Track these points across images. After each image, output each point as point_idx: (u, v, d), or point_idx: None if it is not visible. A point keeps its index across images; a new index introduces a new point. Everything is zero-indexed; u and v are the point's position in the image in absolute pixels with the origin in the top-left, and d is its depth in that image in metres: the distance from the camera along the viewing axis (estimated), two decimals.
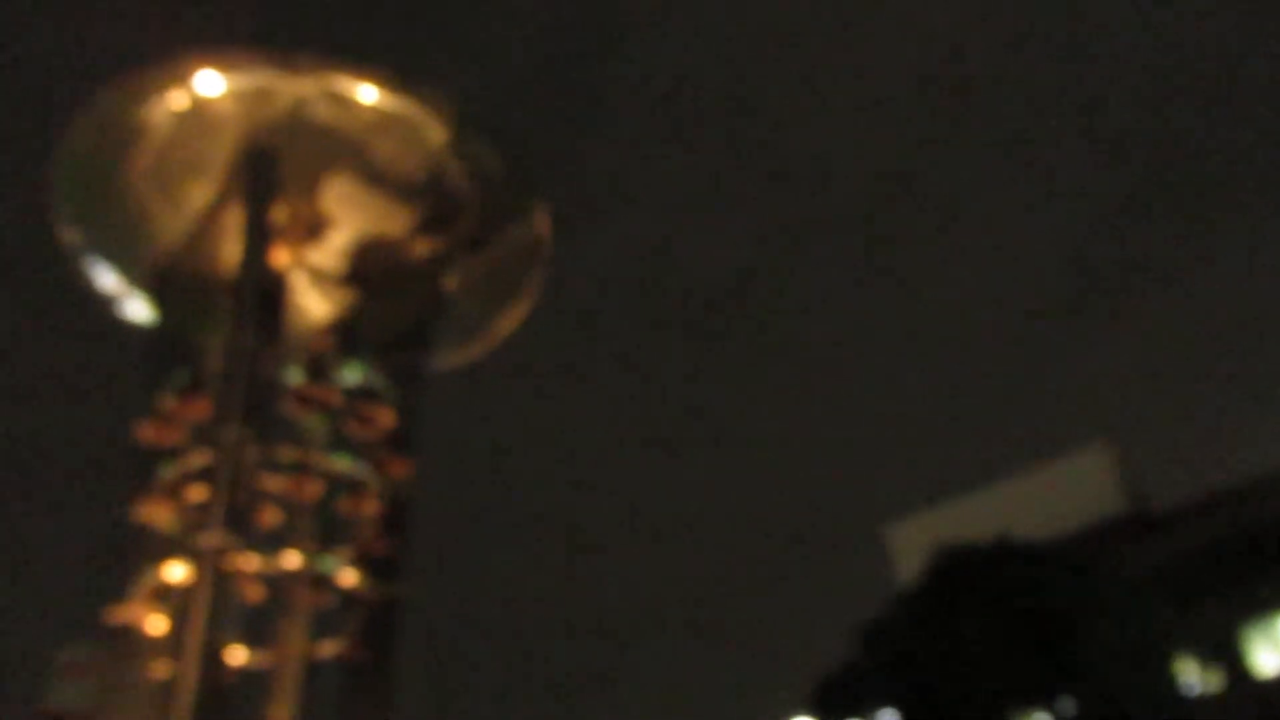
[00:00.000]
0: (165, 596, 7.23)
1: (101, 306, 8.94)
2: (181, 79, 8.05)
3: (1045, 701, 20.61)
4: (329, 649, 8.21)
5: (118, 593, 7.27)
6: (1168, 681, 21.77)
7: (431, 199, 9.06)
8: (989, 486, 34.15)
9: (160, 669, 7.14)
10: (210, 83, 8.15)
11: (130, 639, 7.15)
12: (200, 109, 8.21)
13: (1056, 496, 33.11)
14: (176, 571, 7.26)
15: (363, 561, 8.37)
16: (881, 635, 24.19)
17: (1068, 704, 20.44)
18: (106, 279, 9.12)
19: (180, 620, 6.97)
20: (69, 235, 8.91)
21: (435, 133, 8.83)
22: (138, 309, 9.01)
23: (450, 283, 9.48)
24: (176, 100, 8.10)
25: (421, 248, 9.22)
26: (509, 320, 10.23)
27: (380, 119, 8.62)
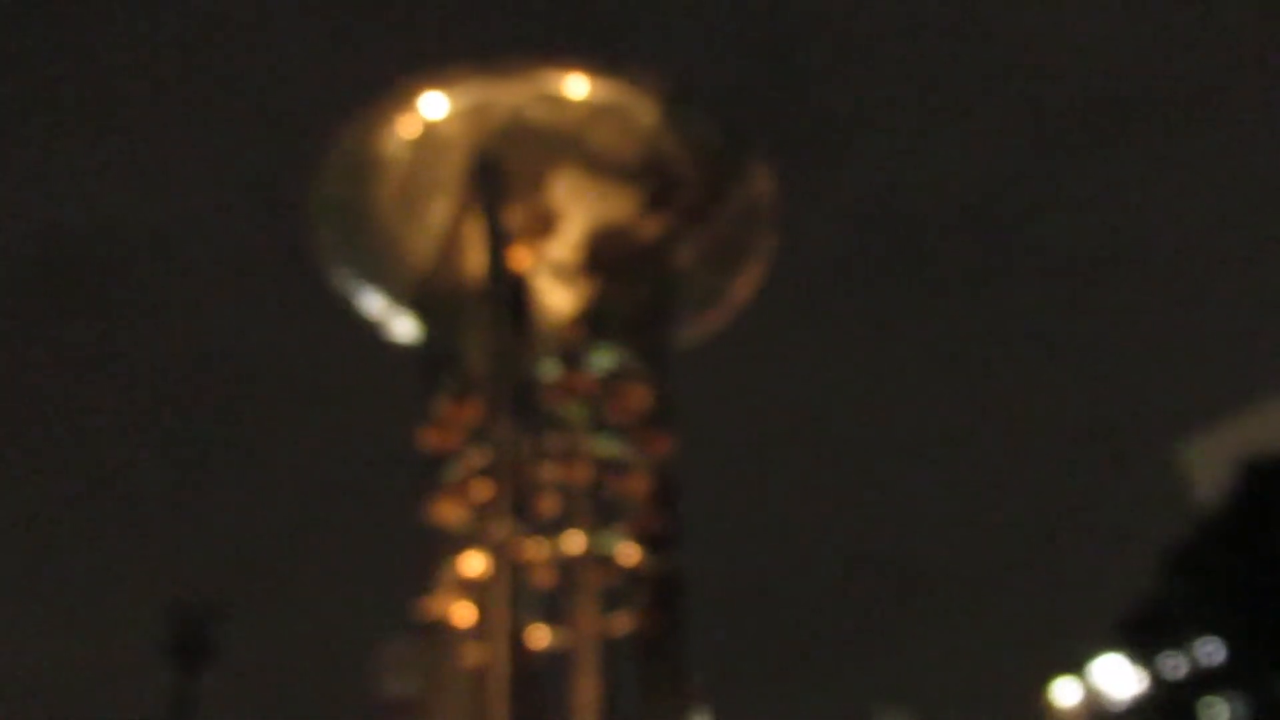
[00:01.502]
0: (467, 588, 7.73)
1: (372, 330, 9.64)
2: (409, 106, 8.51)
3: None
4: (621, 625, 8.50)
5: (426, 588, 7.84)
6: None
7: (653, 177, 9.14)
8: None
9: (471, 655, 7.63)
10: (435, 105, 8.57)
11: (443, 630, 7.70)
12: (429, 132, 8.65)
13: None
14: (474, 564, 7.74)
15: (640, 538, 8.60)
16: (1189, 561, 22.44)
17: None
18: (373, 305, 9.80)
19: (484, 609, 7.44)
20: (334, 271, 9.65)
21: (647, 112, 8.89)
22: (404, 327, 9.66)
23: (682, 257, 9.55)
24: (407, 127, 8.58)
25: (650, 227, 9.32)
26: (745, 285, 10.19)
27: (593, 108, 8.78)
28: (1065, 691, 32.22)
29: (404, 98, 8.56)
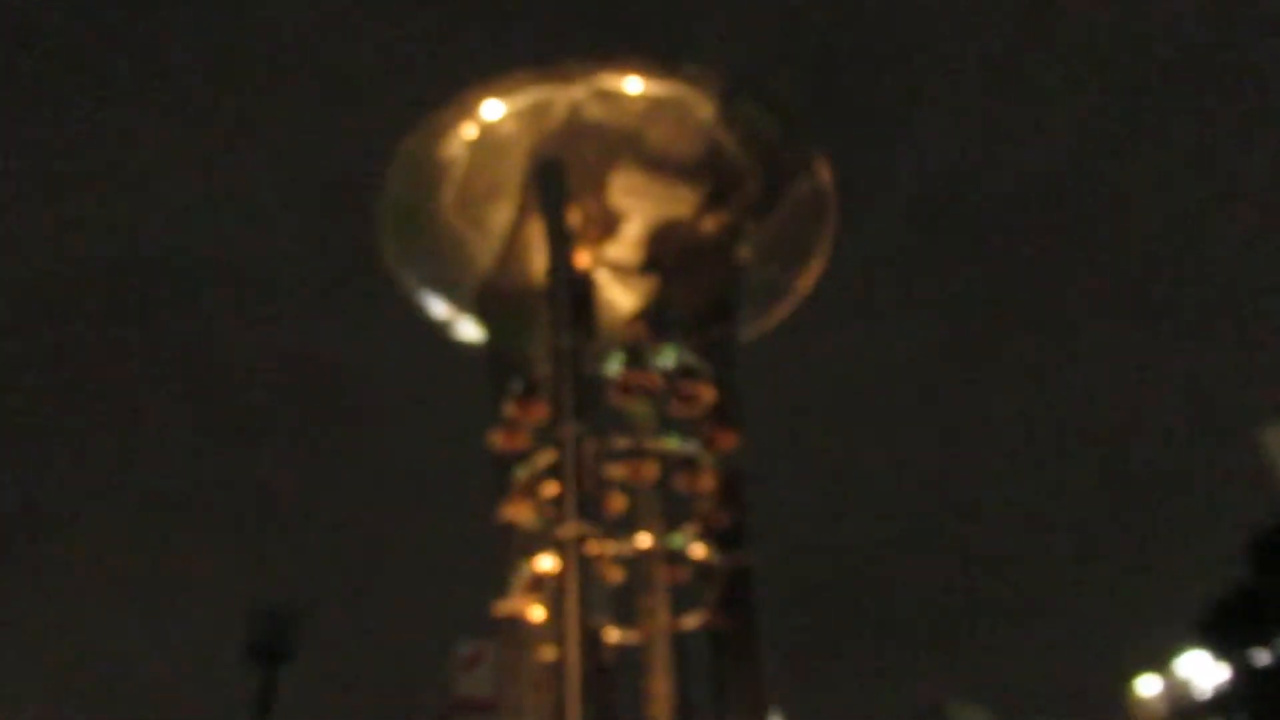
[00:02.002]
0: (540, 586, 7.79)
1: (438, 333, 9.77)
2: (471, 111, 8.62)
3: None
4: (693, 620, 8.51)
5: (499, 588, 7.93)
6: None
7: (712, 173, 9.13)
8: None
9: (545, 653, 7.69)
10: (494, 109, 8.66)
11: (516, 628, 7.78)
12: (490, 135, 8.75)
13: None
14: (545, 563, 7.81)
15: (709, 534, 8.60)
16: (1275, 551, 21.75)
17: None
18: (439, 309, 9.93)
19: (556, 607, 7.50)
20: (401, 277, 9.80)
21: (704, 107, 8.89)
22: (469, 330, 9.78)
23: (744, 252, 9.53)
24: (469, 132, 8.68)
25: (711, 223, 9.31)
26: (807, 277, 10.13)
27: (650, 106, 8.79)
28: (1148, 686, 31.44)
29: (466, 102, 8.66)
